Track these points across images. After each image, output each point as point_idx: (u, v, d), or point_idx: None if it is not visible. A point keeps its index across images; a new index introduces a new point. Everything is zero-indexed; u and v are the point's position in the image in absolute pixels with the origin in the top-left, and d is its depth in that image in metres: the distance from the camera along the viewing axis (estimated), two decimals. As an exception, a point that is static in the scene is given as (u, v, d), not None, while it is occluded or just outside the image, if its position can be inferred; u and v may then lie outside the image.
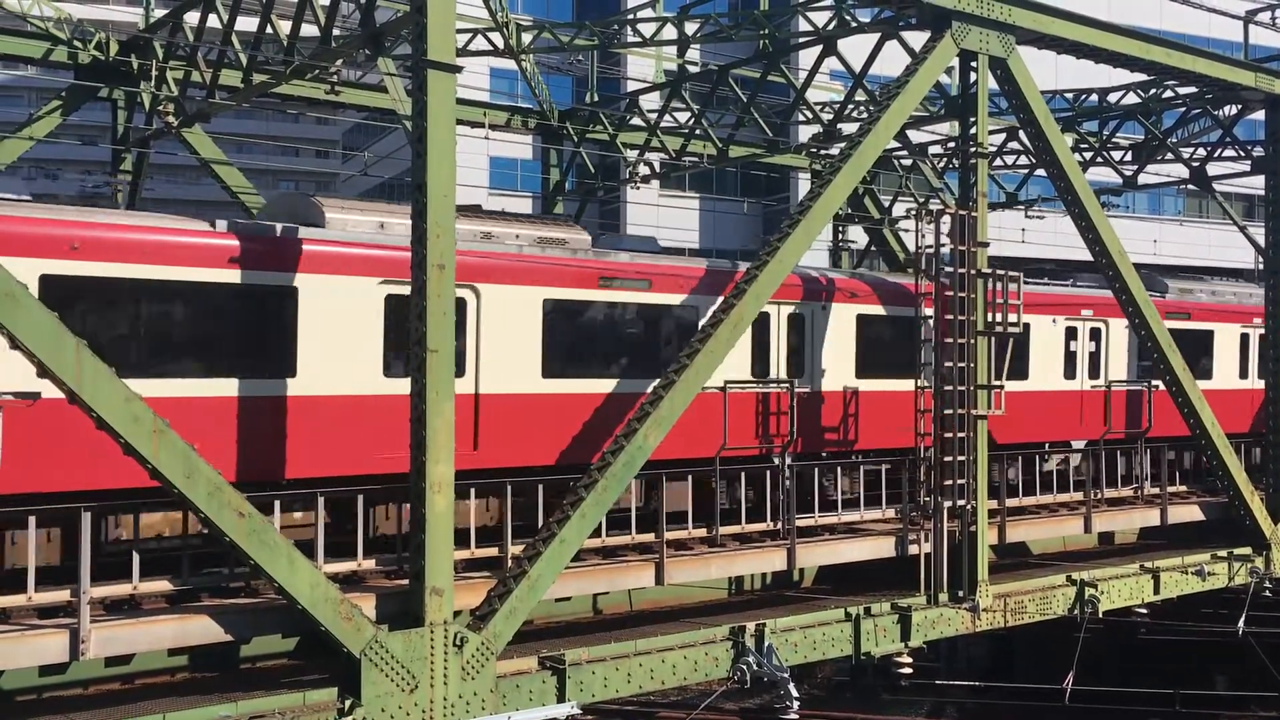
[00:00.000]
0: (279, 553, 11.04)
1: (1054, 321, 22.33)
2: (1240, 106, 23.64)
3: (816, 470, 17.94)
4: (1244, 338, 25.97)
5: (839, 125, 22.89)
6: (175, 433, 10.49)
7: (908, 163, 29.42)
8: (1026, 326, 21.65)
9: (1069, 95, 26.67)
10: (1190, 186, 27.65)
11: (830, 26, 19.60)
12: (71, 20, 21.09)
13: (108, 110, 22.46)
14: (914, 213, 17.79)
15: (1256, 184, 23.79)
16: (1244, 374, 25.94)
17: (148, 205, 23.13)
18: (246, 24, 18.17)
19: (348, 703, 11.45)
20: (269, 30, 17.02)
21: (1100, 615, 18.96)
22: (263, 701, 11.37)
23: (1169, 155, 26.91)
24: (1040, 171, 23.14)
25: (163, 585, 12.33)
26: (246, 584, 12.66)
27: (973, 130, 17.26)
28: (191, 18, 19.27)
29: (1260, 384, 24.34)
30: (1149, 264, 29.40)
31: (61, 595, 11.59)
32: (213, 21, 18.03)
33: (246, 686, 11.89)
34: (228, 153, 24.04)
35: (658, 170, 27.29)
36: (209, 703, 11.29)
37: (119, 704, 11.49)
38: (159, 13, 21.86)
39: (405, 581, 12.53)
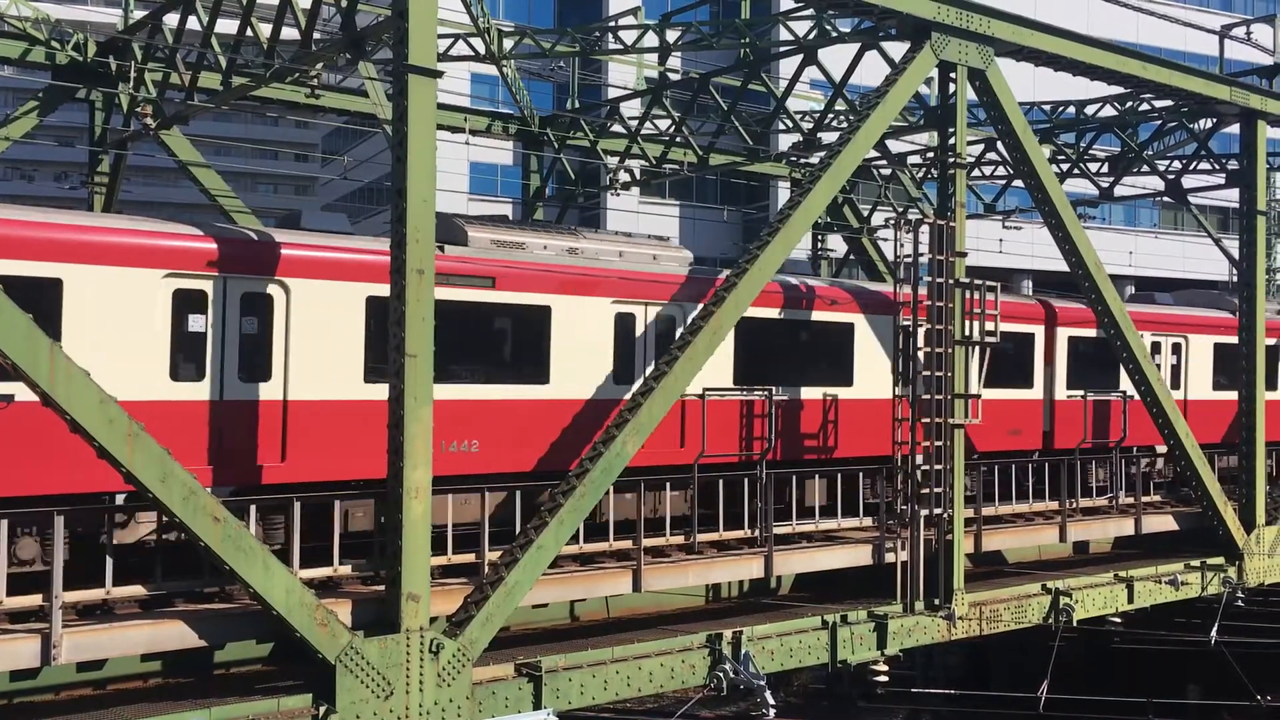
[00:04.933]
0: (254, 557, 10.98)
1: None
2: (1215, 120, 23.87)
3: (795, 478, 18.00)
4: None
5: (819, 134, 22.99)
6: (150, 436, 10.42)
7: (887, 172, 29.58)
8: None
9: (1046, 107, 26.86)
10: (1165, 199, 27.87)
11: (811, 36, 19.68)
12: (49, 20, 20.95)
13: (85, 111, 22.33)
14: (893, 222, 17.89)
15: (1231, 197, 23.99)
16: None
17: (125, 208, 22.97)
18: (226, 26, 18.09)
19: (322, 709, 11.38)
20: (249, 33, 16.94)
21: (1074, 624, 19.06)
22: (237, 707, 11.29)
23: (1145, 168, 27.13)
24: (1018, 182, 23.32)
25: (136, 590, 12.24)
26: (221, 589, 12.58)
27: (951, 141, 17.35)
28: (171, 19, 19.16)
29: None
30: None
31: (34, 600, 11.48)
32: (192, 23, 17.94)
33: (220, 692, 11.80)
34: (206, 155, 23.93)
35: (638, 177, 27.32)
36: (182, 709, 11.20)
37: (91, 710, 11.39)
38: (138, 14, 21.74)
39: (382, 587, 12.48)
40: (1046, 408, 22.92)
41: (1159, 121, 25.73)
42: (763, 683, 14.60)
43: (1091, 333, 23.19)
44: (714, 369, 17.14)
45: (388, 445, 11.83)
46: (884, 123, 16.56)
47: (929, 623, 16.87)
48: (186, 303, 13.30)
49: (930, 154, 28.53)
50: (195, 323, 13.33)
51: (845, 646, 16.05)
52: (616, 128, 26.22)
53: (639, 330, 17.06)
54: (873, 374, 19.74)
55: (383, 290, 13.64)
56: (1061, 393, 23.09)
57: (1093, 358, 23.49)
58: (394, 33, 12.05)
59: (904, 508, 17.08)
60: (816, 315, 19.08)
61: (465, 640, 12.22)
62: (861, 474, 18.43)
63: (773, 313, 18.47)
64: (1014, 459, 21.51)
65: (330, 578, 13.44)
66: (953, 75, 17.23)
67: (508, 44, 21.85)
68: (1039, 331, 22.73)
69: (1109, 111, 25.61)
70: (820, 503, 18.45)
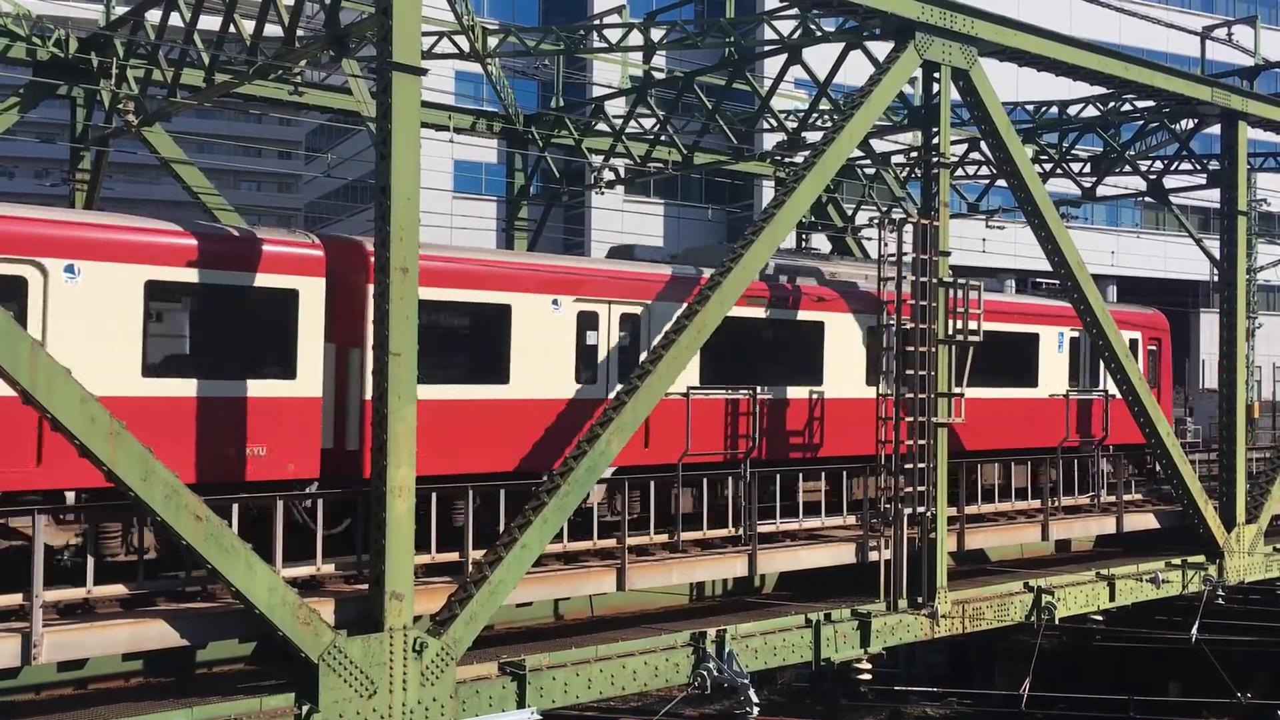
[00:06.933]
0: (237, 556, 10.93)
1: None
2: (1197, 121, 24.00)
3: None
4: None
5: (803, 133, 23.04)
6: (131, 434, 10.36)
7: (871, 172, 29.67)
8: None
9: (1029, 107, 26.97)
10: (1147, 199, 28.03)
11: (795, 35, 19.71)
12: (30, 16, 20.80)
13: (66, 108, 22.20)
14: (877, 221, 17.91)
15: (1212, 197, 24.15)
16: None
17: (107, 205, 22.84)
18: (209, 23, 18.01)
19: (305, 708, 11.35)
20: (232, 29, 16.87)
21: (1057, 622, 19.16)
22: (219, 707, 11.24)
23: (1127, 168, 27.27)
24: (1001, 182, 23.43)
25: (118, 589, 12.18)
26: (203, 588, 12.53)
27: (935, 140, 17.41)
28: (153, 15, 19.08)
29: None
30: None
31: (14, 599, 11.41)
32: (175, 20, 17.87)
33: (203, 692, 11.75)
34: (189, 152, 23.82)
35: (622, 176, 27.33)
36: (164, 708, 11.14)
37: (72, 709, 11.32)
38: (120, 10, 21.64)
39: (365, 586, 12.45)
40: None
41: (1141, 122, 25.85)
42: (746, 681, 14.62)
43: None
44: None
45: (371, 443, 11.80)
46: (868, 122, 16.60)
47: (912, 621, 16.92)
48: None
49: (914, 153, 28.62)
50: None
51: (829, 645, 16.09)
52: (601, 126, 26.21)
53: None
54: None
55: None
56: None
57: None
58: (378, 30, 12.02)
59: (887, 506, 17.13)
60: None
61: (449, 639, 12.20)
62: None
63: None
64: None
65: (313, 577, 13.40)
66: (936, 75, 17.28)
67: (492, 42, 21.82)
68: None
69: (1091, 112, 25.73)
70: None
